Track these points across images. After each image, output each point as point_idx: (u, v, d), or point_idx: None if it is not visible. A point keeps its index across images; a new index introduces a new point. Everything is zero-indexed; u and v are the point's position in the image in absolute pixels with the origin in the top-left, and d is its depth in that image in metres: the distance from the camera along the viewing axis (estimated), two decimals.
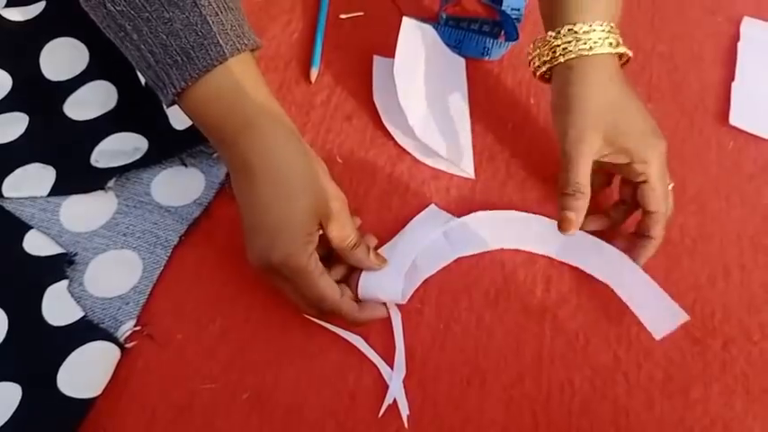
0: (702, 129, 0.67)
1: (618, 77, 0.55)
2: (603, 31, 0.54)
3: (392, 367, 0.53)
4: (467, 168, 0.62)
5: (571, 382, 0.54)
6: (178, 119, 0.60)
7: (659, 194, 0.55)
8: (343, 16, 0.73)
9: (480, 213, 0.58)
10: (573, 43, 0.54)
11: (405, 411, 0.52)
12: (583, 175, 0.54)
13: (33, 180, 0.58)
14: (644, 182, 0.55)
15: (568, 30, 0.54)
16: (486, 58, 0.69)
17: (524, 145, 0.65)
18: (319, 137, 0.64)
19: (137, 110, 0.61)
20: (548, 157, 0.64)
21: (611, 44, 0.54)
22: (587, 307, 0.57)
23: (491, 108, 0.67)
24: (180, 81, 0.48)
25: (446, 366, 0.54)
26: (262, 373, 0.53)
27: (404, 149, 0.64)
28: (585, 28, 0.54)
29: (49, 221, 0.57)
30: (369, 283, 0.54)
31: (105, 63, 0.64)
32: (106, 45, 0.64)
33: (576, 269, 0.58)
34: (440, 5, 0.72)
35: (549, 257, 0.59)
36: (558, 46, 0.54)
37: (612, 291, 0.57)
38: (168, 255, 0.56)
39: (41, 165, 0.59)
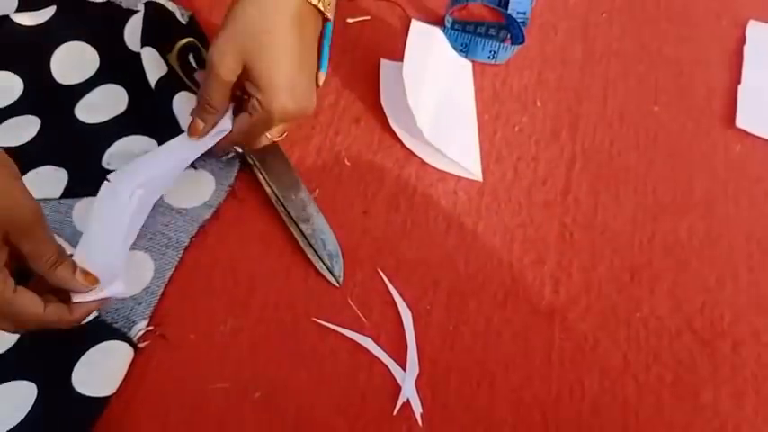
0: (709, 132, 0.67)
1: (299, 27, 0.54)
2: None
3: (402, 368, 0.54)
4: (474, 171, 0.63)
5: (581, 383, 0.54)
6: (187, 122, 0.60)
7: (256, 130, 0.56)
8: (350, 20, 0.73)
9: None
10: None
11: (418, 410, 0.52)
12: (215, 93, 0.53)
13: (46, 182, 0.58)
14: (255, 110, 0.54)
15: None
16: (493, 61, 0.70)
17: (531, 147, 0.65)
18: (327, 139, 0.65)
19: (146, 113, 0.62)
20: (554, 160, 0.64)
21: None
22: (596, 309, 0.57)
23: (498, 111, 0.67)
24: None
25: (456, 367, 0.54)
26: (273, 372, 0.53)
27: (411, 152, 0.64)
28: None
29: (62, 223, 0.57)
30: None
31: (115, 67, 0.65)
32: (116, 49, 0.65)
33: (584, 271, 0.59)
34: (446, 9, 0.72)
35: (559, 261, 0.59)
36: None
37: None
38: (180, 256, 0.56)
39: (54, 167, 0.59)
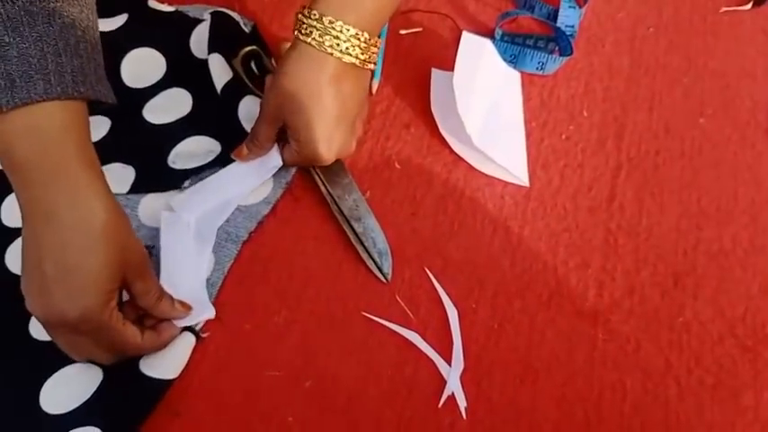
0: (754, 143, 0.68)
1: (336, 84, 0.57)
2: (352, 38, 0.56)
3: (447, 363, 0.56)
4: (521, 176, 0.65)
5: (623, 383, 0.55)
6: (250, 123, 0.63)
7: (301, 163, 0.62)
8: (402, 32, 0.76)
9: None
10: (321, 33, 0.55)
11: (462, 404, 0.54)
12: (261, 131, 0.60)
13: (115, 178, 0.61)
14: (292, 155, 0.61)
15: (329, 22, 0.55)
16: (541, 72, 0.72)
17: (577, 155, 0.67)
18: (379, 143, 0.67)
19: (211, 115, 0.65)
20: (600, 167, 0.66)
21: (351, 54, 0.56)
22: (639, 312, 0.58)
23: (545, 119, 0.69)
24: None
25: (500, 364, 0.56)
26: (323, 363, 0.55)
27: (459, 157, 0.67)
28: (339, 25, 0.55)
29: (129, 216, 0.59)
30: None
31: (181, 72, 0.68)
32: (182, 56, 0.69)
33: (628, 275, 0.60)
34: (496, 22, 0.74)
35: (603, 265, 0.60)
36: (315, 27, 0.55)
37: None
38: (238, 249, 0.60)
39: (122, 164, 0.63)
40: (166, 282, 0.56)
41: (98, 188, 0.48)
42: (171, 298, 0.54)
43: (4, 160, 0.46)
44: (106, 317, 0.47)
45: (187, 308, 0.55)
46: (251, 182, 0.62)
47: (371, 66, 0.59)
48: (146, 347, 0.52)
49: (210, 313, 0.56)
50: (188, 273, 0.57)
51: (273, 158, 0.62)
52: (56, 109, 0.46)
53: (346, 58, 0.56)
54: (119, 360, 0.52)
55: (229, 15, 0.70)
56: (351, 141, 0.62)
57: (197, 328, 0.56)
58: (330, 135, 0.58)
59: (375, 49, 0.59)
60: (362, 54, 0.57)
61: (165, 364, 0.53)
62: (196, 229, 0.59)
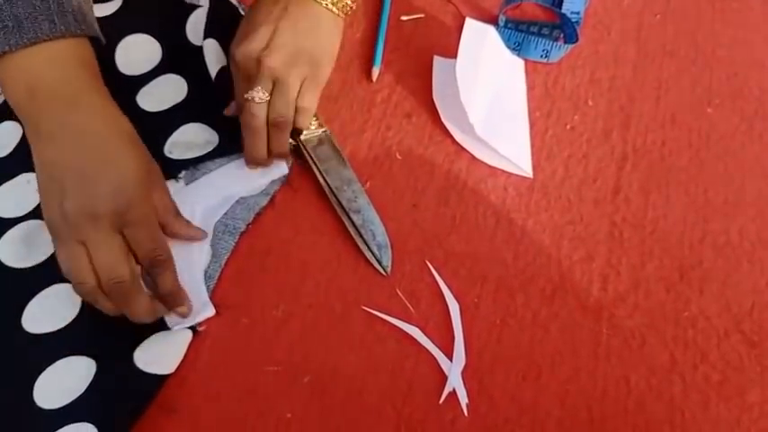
0: (762, 134, 0.67)
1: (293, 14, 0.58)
2: None
3: (448, 358, 0.55)
4: (524, 167, 0.63)
5: (627, 380, 0.54)
6: None
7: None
8: (404, 18, 0.74)
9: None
10: None
11: (464, 400, 0.53)
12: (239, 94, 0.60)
13: None
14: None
15: None
16: (546, 60, 0.70)
17: (582, 145, 0.66)
18: (380, 133, 0.66)
19: (206, 102, 0.63)
20: (605, 158, 0.65)
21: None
22: (644, 307, 0.57)
23: (550, 109, 0.68)
24: (3, 45, 0.48)
25: (502, 359, 0.55)
26: (322, 358, 0.54)
27: (462, 147, 0.65)
28: None
29: None
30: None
31: (176, 58, 0.67)
32: (178, 42, 0.67)
33: (633, 269, 0.59)
34: (500, 8, 0.73)
35: (608, 259, 0.59)
36: None
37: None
38: (235, 241, 0.58)
39: None
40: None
41: (117, 109, 0.53)
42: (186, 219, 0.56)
43: (26, 96, 0.49)
44: (148, 208, 0.51)
45: (199, 230, 0.57)
46: (253, 184, 0.61)
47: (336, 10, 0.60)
48: (152, 308, 0.52)
49: (210, 312, 0.55)
50: (188, 271, 0.56)
51: (281, 166, 0.61)
52: (68, 45, 0.50)
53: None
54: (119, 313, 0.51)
55: (228, 1, 0.68)
56: (289, 65, 0.58)
57: (195, 324, 0.55)
58: (255, 35, 0.57)
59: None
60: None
61: (161, 359, 0.52)
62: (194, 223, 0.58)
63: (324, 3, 0.59)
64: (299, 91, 0.59)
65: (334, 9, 0.59)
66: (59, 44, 0.50)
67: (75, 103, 0.50)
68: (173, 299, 0.53)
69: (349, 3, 0.60)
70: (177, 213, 0.56)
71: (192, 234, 0.56)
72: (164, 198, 0.54)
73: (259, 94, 0.57)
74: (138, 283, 0.51)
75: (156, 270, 0.52)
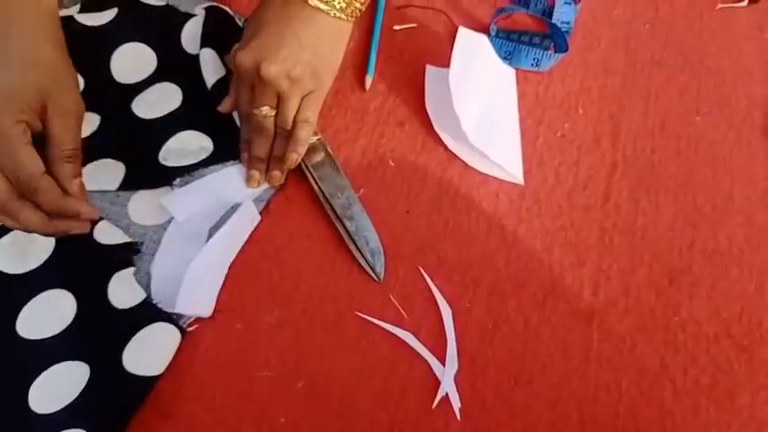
0: (750, 141, 0.68)
1: (303, 24, 0.58)
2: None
3: (441, 363, 0.55)
4: (516, 174, 0.64)
5: (618, 384, 0.55)
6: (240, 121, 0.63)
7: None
8: (396, 27, 0.75)
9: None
10: None
11: (456, 404, 0.53)
12: (242, 96, 0.60)
13: (104, 175, 0.61)
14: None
15: None
16: (536, 69, 0.71)
17: (572, 153, 0.66)
18: (373, 141, 0.66)
19: (202, 111, 0.64)
20: (596, 166, 0.65)
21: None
22: (635, 312, 0.58)
23: (541, 117, 0.68)
24: None
25: (494, 364, 0.55)
26: (316, 363, 0.55)
27: (454, 155, 0.66)
28: None
29: (119, 214, 0.60)
30: (185, 300, 0.55)
31: (172, 67, 0.67)
32: (173, 51, 0.68)
33: (623, 274, 0.59)
34: (491, 18, 0.74)
35: (598, 264, 0.60)
36: None
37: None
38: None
39: (113, 161, 0.62)
40: (161, 277, 0.56)
41: (50, 23, 0.55)
42: (78, 172, 0.54)
43: None
44: (8, 124, 0.50)
45: (82, 191, 0.53)
46: (248, 190, 0.62)
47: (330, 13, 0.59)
48: (42, 185, 0.50)
49: (205, 311, 0.56)
50: (185, 269, 0.56)
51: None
52: None
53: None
54: (14, 204, 0.50)
55: (224, 10, 0.69)
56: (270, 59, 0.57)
57: (184, 324, 0.55)
58: (259, 43, 0.57)
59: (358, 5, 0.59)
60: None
61: (150, 360, 0.53)
62: (188, 229, 0.59)
63: (331, 12, 0.58)
64: (300, 104, 0.60)
65: (343, 16, 0.59)
66: None
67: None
68: (63, 212, 0.52)
69: (358, 6, 0.59)
70: (69, 157, 0.53)
71: (65, 185, 0.52)
72: (64, 133, 0.53)
73: (265, 110, 0.59)
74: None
75: (26, 192, 0.51)
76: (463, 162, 0.65)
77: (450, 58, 0.64)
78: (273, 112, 0.59)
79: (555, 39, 0.72)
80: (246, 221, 0.59)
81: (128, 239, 0.58)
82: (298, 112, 0.60)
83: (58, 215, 0.52)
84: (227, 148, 0.63)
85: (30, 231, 0.52)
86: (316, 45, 0.58)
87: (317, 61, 0.59)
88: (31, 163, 0.50)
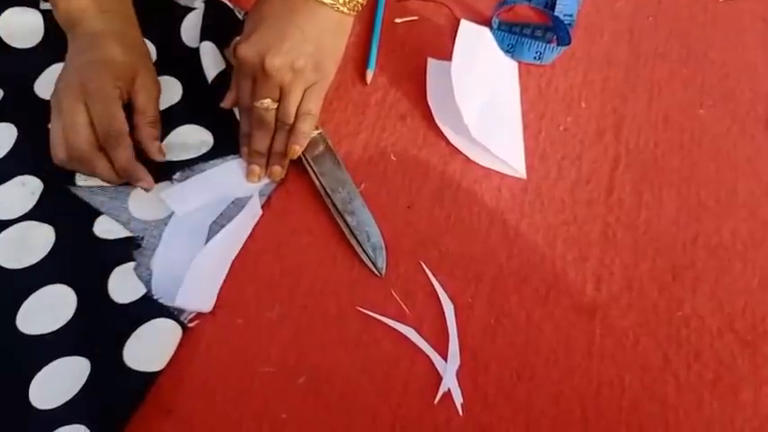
0: (754, 135, 0.67)
1: (306, 18, 0.58)
2: None
3: (443, 358, 0.55)
4: (518, 168, 0.64)
5: (621, 379, 0.54)
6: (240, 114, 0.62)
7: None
8: (398, 20, 0.74)
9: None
10: None
11: (458, 400, 0.53)
12: (243, 88, 0.61)
13: None
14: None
15: None
16: (539, 62, 0.70)
17: (575, 147, 0.66)
18: (374, 135, 0.66)
19: (202, 104, 0.64)
20: (598, 160, 0.65)
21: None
22: (638, 307, 0.57)
23: (543, 110, 0.68)
24: None
25: (496, 359, 0.55)
26: (317, 359, 0.55)
27: (456, 149, 0.65)
28: None
29: (119, 209, 0.59)
30: (185, 295, 0.55)
31: (171, 60, 0.67)
32: (173, 44, 0.67)
33: (626, 269, 0.59)
34: (493, 11, 0.73)
35: (601, 259, 0.60)
36: None
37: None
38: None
39: None
40: (162, 272, 0.56)
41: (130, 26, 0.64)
42: (158, 136, 0.61)
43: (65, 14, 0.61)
44: (109, 87, 0.58)
45: (162, 155, 0.61)
46: (249, 185, 0.61)
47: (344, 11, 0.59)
48: (125, 142, 0.58)
49: (206, 306, 0.56)
50: (186, 264, 0.56)
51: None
52: None
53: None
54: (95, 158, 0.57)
55: (223, 2, 0.69)
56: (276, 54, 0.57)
57: (185, 320, 0.55)
58: (261, 36, 0.57)
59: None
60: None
61: (151, 356, 0.53)
62: (189, 224, 0.58)
63: (334, 5, 0.58)
64: (303, 97, 0.60)
65: (345, 9, 0.58)
66: None
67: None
68: (128, 174, 0.58)
69: (360, 0, 0.59)
70: (151, 122, 0.61)
71: (150, 149, 0.60)
72: (147, 103, 0.61)
73: (267, 103, 0.58)
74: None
75: (109, 144, 0.57)
76: (465, 156, 0.65)
77: (451, 51, 0.63)
78: (275, 106, 0.59)
79: (557, 31, 0.71)
80: (249, 217, 0.59)
81: (128, 234, 0.58)
82: (300, 104, 0.59)
83: (124, 175, 0.58)
84: (227, 143, 0.62)
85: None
86: (318, 38, 0.58)
87: (319, 53, 0.58)
88: (122, 120, 0.58)
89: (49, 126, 0.58)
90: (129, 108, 0.60)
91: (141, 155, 0.59)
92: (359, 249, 0.59)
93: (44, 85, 0.66)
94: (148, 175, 0.58)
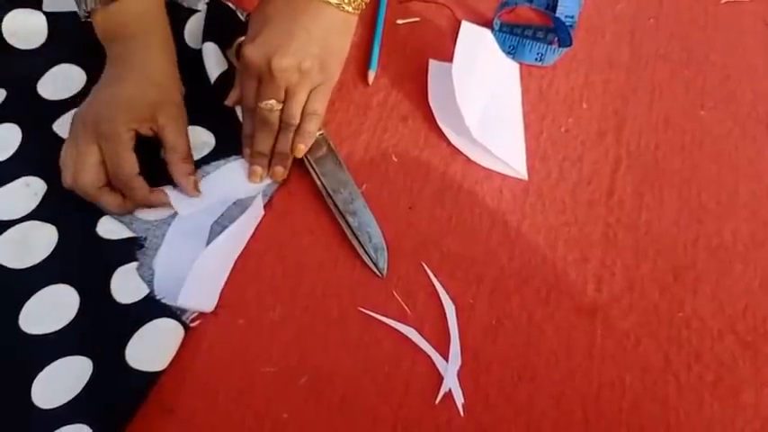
0: (755, 136, 0.67)
1: (311, 19, 0.58)
2: None
3: (444, 359, 0.55)
4: (519, 169, 0.64)
5: (622, 380, 0.54)
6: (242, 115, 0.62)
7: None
8: (399, 21, 0.75)
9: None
10: None
11: (459, 400, 0.53)
12: (248, 88, 0.61)
13: None
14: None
15: None
16: (540, 63, 0.71)
17: (576, 148, 0.66)
18: (375, 136, 0.66)
19: (205, 105, 0.64)
20: (600, 161, 0.65)
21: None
22: (639, 308, 0.58)
23: (544, 112, 0.68)
24: (92, 3, 0.58)
25: (497, 360, 0.55)
26: (319, 359, 0.55)
27: (457, 150, 0.66)
28: None
29: None
30: (188, 295, 0.55)
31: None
32: (177, 45, 0.67)
33: (627, 270, 0.59)
34: (495, 12, 0.73)
35: (602, 260, 0.60)
36: None
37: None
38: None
39: None
40: (164, 272, 0.57)
41: (163, 49, 0.62)
42: (193, 170, 0.60)
43: (104, 34, 0.61)
44: (122, 130, 0.56)
45: (197, 191, 0.60)
46: (250, 186, 0.62)
47: (349, 10, 0.59)
48: (135, 184, 0.57)
49: (208, 306, 0.56)
50: (189, 264, 0.56)
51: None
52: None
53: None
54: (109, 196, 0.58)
55: (225, 4, 0.69)
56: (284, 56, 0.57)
57: (187, 320, 0.55)
58: (267, 37, 0.57)
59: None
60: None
61: (153, 356, 0.53)
62: (191, 224, 0.59)
63: (339, 5, 0.58)
64: (308, 97, 0.60)
65: (350, 8, 0.59)
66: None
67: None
68: (148, 206, 0.59)
69: None
70: (185, 159, 0.60)
71: (184, 184, 0.59)
72: (177, 139, 0.59)
73: (272, 104, 0.59)
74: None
75: (119, 185, 0.58)
76: (466, 157, 0.65)
77: (453, 52, 0.63)
78: (280, 107, 0.59)
79: (559, 33, 0.72)
80: (251, 218, 0.59)
81: (131, 234, 0.58)
82: (306, 104, 0.60)
83: (145, 206, 0.60)
84: (229, 144, 0.62)
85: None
86: (324, 38, 0.58)
87: (325, 54, 0.59)
88: (130, 165, 0.57)
89: (63, 146, 0.58)
90: (144, 142, 0.59)
91: (141, 150, 0.59)
92: (360, 250, 0.59)
93: (46, 86, 0.66)
94: (167, 196, 0.59)
